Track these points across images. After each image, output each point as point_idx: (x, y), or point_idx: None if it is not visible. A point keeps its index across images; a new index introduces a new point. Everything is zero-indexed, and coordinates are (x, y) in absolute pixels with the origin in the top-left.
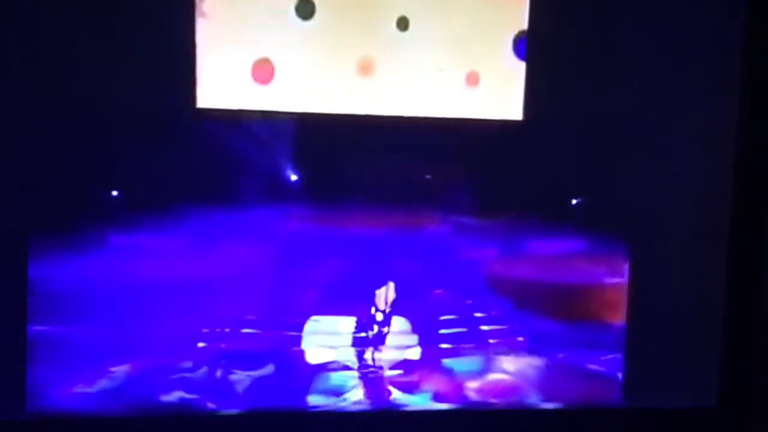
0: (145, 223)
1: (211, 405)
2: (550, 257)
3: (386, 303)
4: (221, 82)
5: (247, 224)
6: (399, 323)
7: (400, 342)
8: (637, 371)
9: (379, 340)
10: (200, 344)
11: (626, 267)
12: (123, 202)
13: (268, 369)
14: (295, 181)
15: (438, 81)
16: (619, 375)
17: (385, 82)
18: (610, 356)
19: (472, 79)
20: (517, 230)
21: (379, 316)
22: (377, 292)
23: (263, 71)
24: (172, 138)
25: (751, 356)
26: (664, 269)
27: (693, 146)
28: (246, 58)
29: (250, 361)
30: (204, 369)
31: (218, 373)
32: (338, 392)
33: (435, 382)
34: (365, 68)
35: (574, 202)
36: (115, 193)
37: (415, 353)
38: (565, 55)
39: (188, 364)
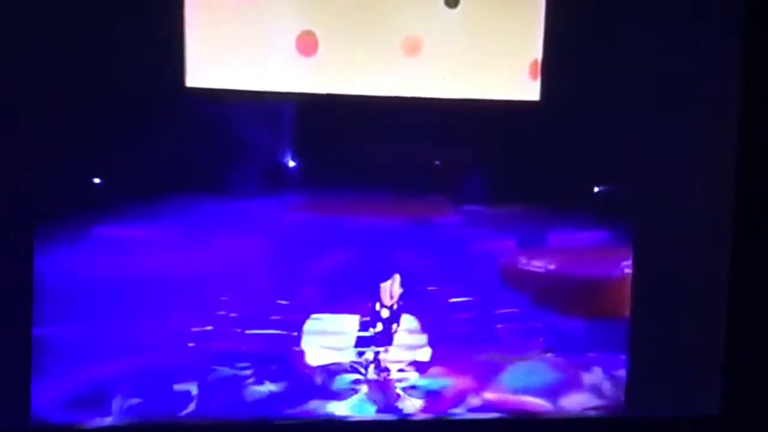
0: (133, 214)
1: (206, 412)
2: (563, 250)
3: (392, 297)
4: (265, 54)
5: (243, 214)
6: (407, 321)
7: (409, 341)
8: (640, 379)
9: (385, 340)
10: (191, 345)
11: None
12: (109, 192)
13: (265, 371)
14: (294, 168)
15: (497, 66)
16: (622, 383)
17: (432, 64)
18: (614, 366)
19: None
20: (533, 220)
21: (385, 313)
22: (382, 285)
23: (307, 43)
24: (158, 120)
25: (754, 364)
26: (667, 276)
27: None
28: (290, 30)
29: (244, 364)
30: (198, 373)
31: (212, 378)
32: (341, 397)
33: (445, 385)
34: (412, 48)
35: (595, 189)
36: (97, 180)
37: (424, 354)
38: (584, 32)
39: (183, 369)
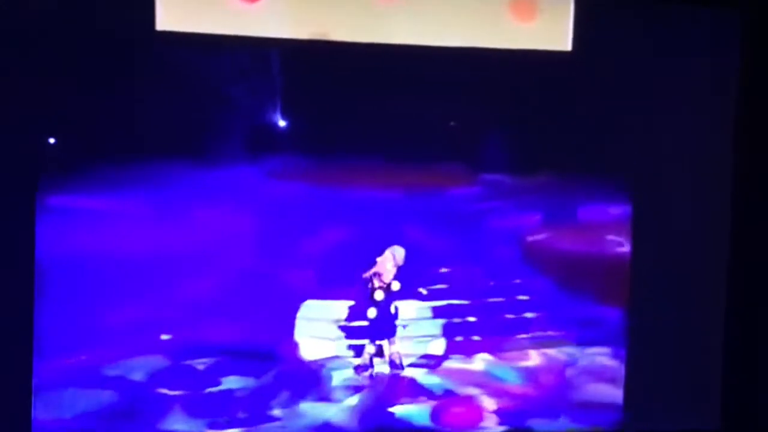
0: (86, 182)
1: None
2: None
3: (391, 266)
4: None
5: (225, 183)
6: (417, 308)
7: (420, 332)
8: (639, 395)
9: (387, 328)
10: (164, 336)
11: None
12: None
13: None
14: (285, 128)
15: None
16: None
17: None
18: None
19: None
20: (560, 191)
21: (379, 295)
22: (378, 260)
23: None
24: (128, 68)
25: (754, 379)
26: (665, 296)
27: None
28: None
29: (229, 360)
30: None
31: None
32: (338, 397)
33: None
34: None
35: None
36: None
37: (438, 346)
38: None
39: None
